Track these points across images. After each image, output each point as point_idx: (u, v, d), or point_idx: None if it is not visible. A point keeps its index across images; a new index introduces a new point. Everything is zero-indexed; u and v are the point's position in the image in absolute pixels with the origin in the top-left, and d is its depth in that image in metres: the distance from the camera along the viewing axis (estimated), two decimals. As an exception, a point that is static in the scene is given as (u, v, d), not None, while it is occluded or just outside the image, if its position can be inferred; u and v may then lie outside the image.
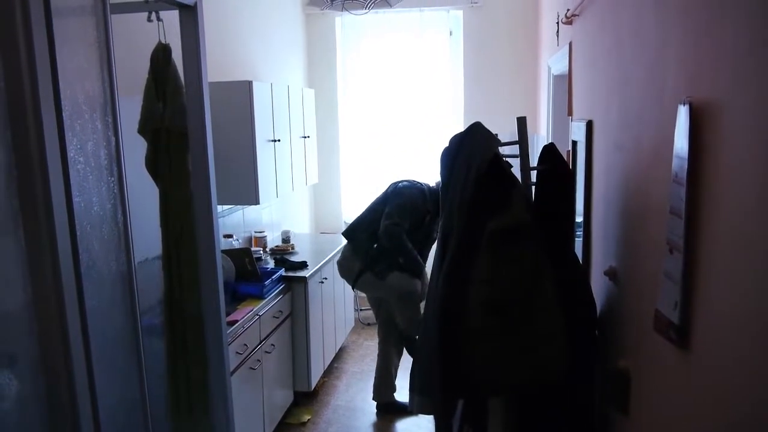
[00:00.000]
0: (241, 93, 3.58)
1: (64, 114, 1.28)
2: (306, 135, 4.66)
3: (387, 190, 3.94)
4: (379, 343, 4.14)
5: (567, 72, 3.15)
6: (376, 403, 4.08)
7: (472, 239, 1.94)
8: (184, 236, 2.11)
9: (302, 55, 5.63)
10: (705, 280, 1.14)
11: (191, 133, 2.04)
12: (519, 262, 1.91)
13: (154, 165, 2.16)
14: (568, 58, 3.03)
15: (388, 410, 4.04)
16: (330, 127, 5.78)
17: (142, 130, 2.15)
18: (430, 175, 5.45)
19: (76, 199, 1.34)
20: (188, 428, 2.37)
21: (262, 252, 4.30)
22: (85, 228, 1.38)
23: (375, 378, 4.11)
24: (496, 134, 2.12)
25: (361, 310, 5.68)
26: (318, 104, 5.22)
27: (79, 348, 1.38)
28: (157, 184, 2.18)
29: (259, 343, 3.33)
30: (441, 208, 2.19)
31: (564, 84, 3.41)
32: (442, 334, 1.96)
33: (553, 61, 3.83)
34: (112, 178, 1.50)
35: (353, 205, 6.00)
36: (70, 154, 1.32)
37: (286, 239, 4.72)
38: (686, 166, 1.20)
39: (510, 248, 1.91)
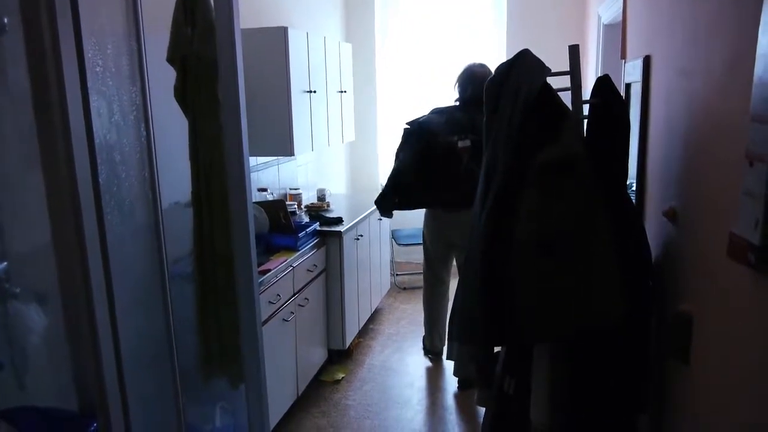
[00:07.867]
0: (276, 40, 3.46)
1: (80, 7, 1.18)
2: (343, 90, 4.53)
3: None
4: None
5: (620, 17, 2.95)
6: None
7: (519, 173, 1.79)
8: (213, 169, 2.01)
9: (339, 7, 5.48)
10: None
11: (221, 60, 1.93)
12: (570, 197, 1.76)
13: (183, 95, 2.06)
14: (623, -5, 2.83)
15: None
16: (367, 84, 5.64)
17: (171, 58, 2.04)
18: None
19: (94, 103, 1.24)
20: (219, 373, 2.31)
21: (296, 208, 4.22)
22: (103, 135, 1.29)
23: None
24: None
25: (397, 275, 5.59)
26: (355, 60, 5.07)
27: (98, 264, 1.29)
28: (186, 116, 2.08)
29: (293, 295, 3.25)
30: (485, 142, 2.04)
31: (614, 32, 3.22)
32: (484, 274, 1.83)
33: (604, 8, 3.61)
34: (134, 88, 1.40)
35: (390, 166, 5.87)
36: (87, 54, 1.22)
37: (321, 197, 4.63)
38: (777, 62, 1.04)
39: (561, 182, 1.76)
